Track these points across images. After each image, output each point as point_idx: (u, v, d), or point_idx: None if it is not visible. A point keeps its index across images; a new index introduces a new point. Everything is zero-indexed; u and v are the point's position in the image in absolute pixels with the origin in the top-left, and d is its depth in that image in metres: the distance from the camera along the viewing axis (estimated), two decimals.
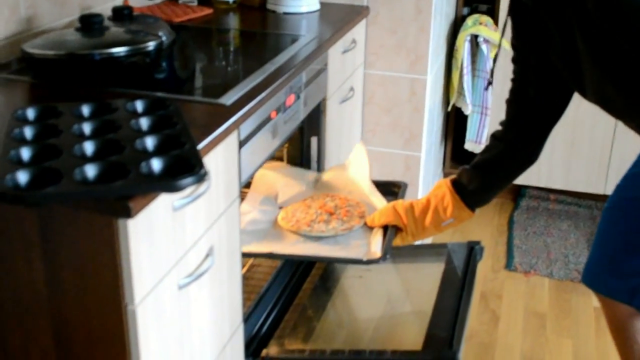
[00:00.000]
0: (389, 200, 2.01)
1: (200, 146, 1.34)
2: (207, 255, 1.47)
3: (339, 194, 2.05)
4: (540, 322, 2.64)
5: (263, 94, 1.67)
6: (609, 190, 3.04)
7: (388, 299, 2.15)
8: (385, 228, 1.90)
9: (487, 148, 1.85)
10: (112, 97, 1.51)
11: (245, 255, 1.81)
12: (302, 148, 2.27)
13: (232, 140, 1.56)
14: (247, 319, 1.82)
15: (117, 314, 1.25)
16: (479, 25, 3.05)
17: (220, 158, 1.50)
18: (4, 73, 1.74)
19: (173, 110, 1.44)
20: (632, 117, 1.64)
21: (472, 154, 3.30)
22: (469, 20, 3.11)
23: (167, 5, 2.43)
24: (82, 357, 1.32)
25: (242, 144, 1.62)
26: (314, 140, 2.27)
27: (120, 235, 1.19)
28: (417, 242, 2.02)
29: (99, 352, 1.29)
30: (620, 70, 1.51)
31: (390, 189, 2.17)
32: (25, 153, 1.25)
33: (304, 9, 2.48)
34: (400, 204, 1.89)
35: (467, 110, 3.09)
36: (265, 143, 1.80)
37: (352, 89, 2.54)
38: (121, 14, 1.88)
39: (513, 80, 1.77)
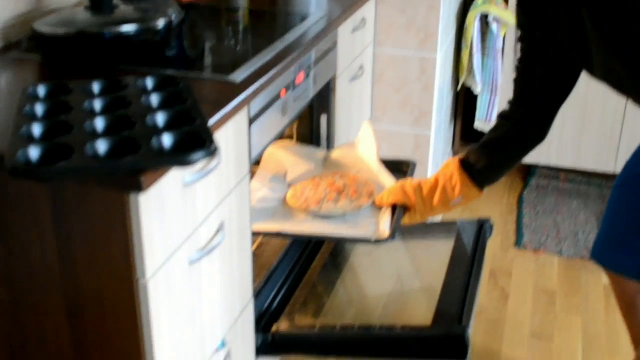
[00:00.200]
0: (397, 179, 2.01)
1: (210, 122, 1.35)
2: (218, 231, 1.49)
3: (348, 173, 2.05)
4: (549, 300, 2.65)
5: (273, 72, 1.67)
6: (619, 168, 3.04)
7: (398, 276, 2.16)
8: (393, 207, 1.90)
9: (495, 127, 1.85)
10: (122, 75, 1.52)
11: (254, 234, 1.82)
12: (311, 126, 2.28)
13: (242, 117, 1.57)
14: (257, 295, 1.83)
15: (129, 289, 1.26)
16: (489, 4, 3.04)
17: (231, 135, 1.51)
18: (15, 52, 1.75)
19: (183, 87, 1.45)
20: None
21: (481, 134, 3.29)
22: None
23: None
24: (94, 332, 1.34)
25: (252, 121, 1.63)
26: (323, 119, 2.27)
27: (131, 210, 1.20)
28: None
29: (111, 326, 1.31)
30: (629, 48, 1.51)
31: (399, 168, 2.18)
32: (37, 129, 1.26)
33: None
34: (408, 183, 1.89)
35: (477, 89, 3.09)
36: (275, 121, 1.80)
37: (361, 67, 2.54)
38: None
39: (520, 59, 1.77)
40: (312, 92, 2.06)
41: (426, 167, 2.81)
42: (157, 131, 1.26)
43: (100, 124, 1.29)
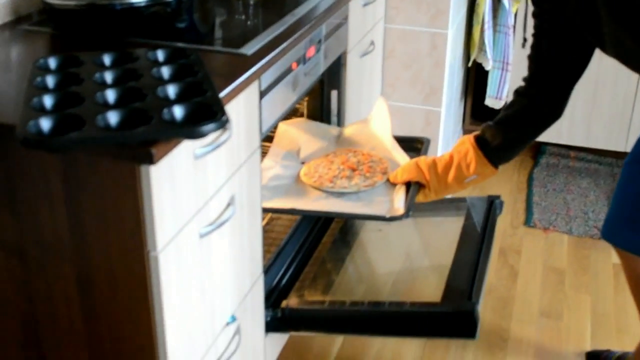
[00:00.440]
0: (411, 157, 2.00)
1: (221, 95, 1.34)
2: (229, 205, 1.48)
3: (361, 150, 2.04)
4: (558, 278, 2.64)
5: (284, 45, 1.66)
6: (629, 147, 3.01)
7: (407, 253, 2.16)
8: (407, 184, 1.89)
9: (510, 104, 1.83)
10: (132, 47, 1.51)
11: (267, 211, 1.82)
12: (322, 101, 2.27)
13: (253, 90, 1.56)
14: (267, 270, 1.83)
15: (140, 261, 1.26)
16: None
17: (242, 108, 1.50)
18: (25, 24, 1.74)
19: (194, 59, 1.44)
20: None
21: (492, 110, 3.27)
22: None
23: None
24: (104, 303, 1.34)
25: (262, 94, 1.62)
26: (334, 94, 2.26)
27: (142, 181, 1.19)
28: None
29: (121, 298, 1.31)
30: (638, 22, 1.49)
31: (413, 145, 2.16)
32: (48, 101, 1.26)
33: None
34: (423, 160, 1.88)
35: (488, 65, 3.07)
36: (286, 94, 1.79)
37: (372, 43, 2.52)
38: None
39: (533, 35, 1.75)
40: (322, 66, 2.05)
41: (436, 144, 2.80)
42: (168, 103, 1.25)
43: (111, 95, 1.28)
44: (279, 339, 1.97)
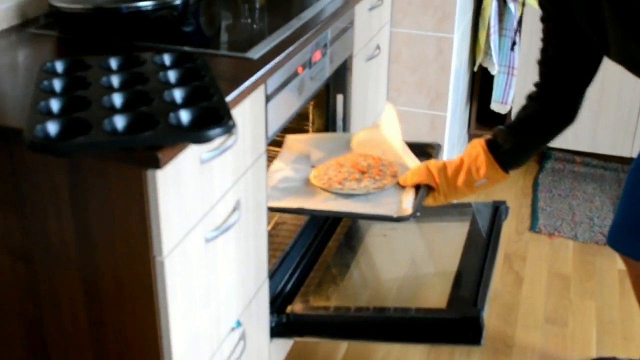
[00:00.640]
0: (422, 161, 1.99)
1: (227, 99, 1.33)
2: (234, 209, 1.48)
3: (372, 154, 2.03)
4: (564, 284, 2.63)
5: (290, 49, 1.66)
6: (635, 153, 3.01)
7: (412, 258, 2.15)
8: (417, 188, 1.88)
9: (523, 108, 1.82)
10: (139, 51, 1.51)
11: (275, 210, 1.81)
12: (327, 106, 2.27)
13: (259, 94, 1.55)
14: (272, 275, 1.83)
15: (146, 266, 1.26)
16: None
17: (248, 112, 1.50)
18: (32, 28, 1.74)
19: (200, 63, 1.44)
20: None
21: (497, 115, 3.27)
22: None
23: None
24: (110, 307, 1.33)
25: (268, 98, 1.62)
26: (339, 98, 2.26)
27: (149, 186, 1.19)
28: None
29: (127, 302, 1.31)
30: None
31: (424, 150, 2.15)
32: (55, 104, 1.25)
33: None
34: (433, 163, 1.87)
35: (494, 70, 3.06)
36: (292, 99, 1.79)
37: (378, 47, 2.51)
38: None
39: (542, 39, 1.75)
40: (328, 70, 2.04)
41: (442, 148, 2.80)
42: (175, 107, 1.25)
43: (117, 99, 1.28)
44: (284, 345, 1.96)
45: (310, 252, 2.08)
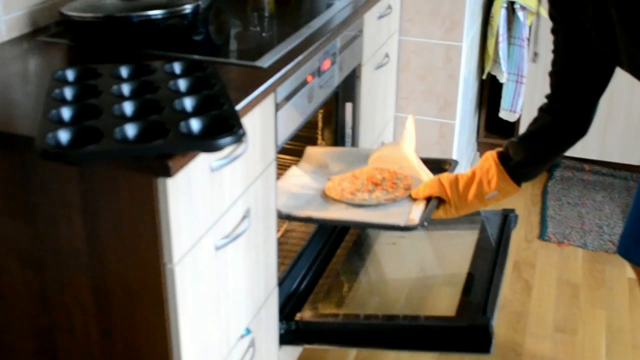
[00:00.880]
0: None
1: (237, 107, 1.34)
2: (244, 217, 1.48)
3: (388, 169, 2.04)
4: (573, 292, 2.63)
5: (299, 57, 1.66)
6: None
7: (421, 266, 2.15)
8: (428, 200, 1.88)
9: (534, 120, 1.81)
10: (149, 59, 1.52)
11: (283, 217, 1.82)
12: (336, 114, 2.27)
13: (269, 102, 1.56)
14: (281, 283, 1.83)
15: (156, 273, 1.26)
16: None
17: (257, 120, 1.50)
18: (43, 36, 1.75)
19: (211, 72, 1.44)
20: None
21: (506, 123, 3.27)
22: None
23: None
24: (120, 314, 1.34)
25: (278, 107, 1.62)
26: (348, 106, 2.26)
27: (159, 194, 1.20)
28: None
29: (137, 309, 1.31)
30: None
31: (440, 166, 2.15)
32: (66, 113, 1.26)
33: None
34: (445, 176, 1.87)
35: (503, 78, 3.06)
36: (301, 107, 1.79)
37: (387, 55, 2.52)
38: None
39: (553, 51, 1.74)
40: (337, 79, 2.05)
41: (450, 157, 2.79)
42: (185, 115, 1.25)
43: (128, 108, 1.29)
44: (293, 352, 1.96)
45: (319, 259, 2.08)
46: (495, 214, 2.17)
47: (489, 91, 3.37)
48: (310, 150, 2.17)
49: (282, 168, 2.05)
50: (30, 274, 1.38)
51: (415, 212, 1.81)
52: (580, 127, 1.76)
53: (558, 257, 2.83)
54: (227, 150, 1.31)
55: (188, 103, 1.31)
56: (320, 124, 2.32)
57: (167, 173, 1.16)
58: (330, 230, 2.18)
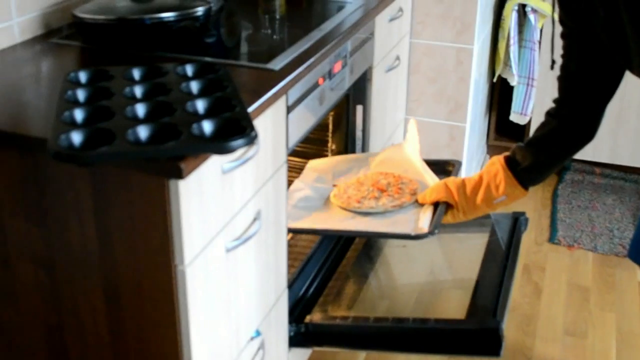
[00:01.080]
0: (441, 179, 1.99)
1: (249, 110, 1.34)
2: (255, 219, 1.49)
3: (392, 173, 2.03)
4: (583, 296, 2.62)
5: (311, 60, 1.67)
6: None
7: (431, 269, 2.15)
8: (436, 205, 1.88)
9: (541, 125, 1.81)
10: (161, 62, 1.52)
11: (290, 231, 1.82)
12: (347, 116, 2.27)
13: (281, 105, 1.56)
14: (291, 285, 1.83)
15: (167, 274, 1.26)
16: None
17: (269, 123, 1.51)
18: (56, 38, 1.76)
19: (223, 74, 1.45)
20: None
21: (516, 126, 3.26)
22: None
23: None
24: (131, 316, 1.34)
25: (290, 109, 1.63)
26: (359, 109, 2.26)
27: (171, 196, 1.20)
28: None
29: (148, 310, 1.32)
30: None
31: (444, 168, 2.15)
32: (79, 114, 1.27)
33: None
34: (452, 180, 1.87)
35: (513, 81, 3.06)
36: (312, 109, 1.80)
37: (398, 57, 2.52)
38: None
39: (562, 56, 1.74)
40: (348, 81, 2.05)
41: (460, 159, 2.79)
42: (197, 117, 1.26)
43: (140, 109, 1.29)
44: (302, 354, 1.97)
45: (329, 262, 2.08)
46: (505, 217, 2.17)
47: (500, 94, 3.36)
48: (311, 164, 2.17)
49: (292, 170, 2.05)
50: (41, 274, 1.39)
51: (423, 220, 1.80)
52: (588, 131, 1.75)
53: (568, 260, 2.83)
54: (238, 153, 1.31)
55: (200, 105, 1.31)
56: (330, 127, 2.33)
57: (179, 175, 1.16)
58: None
